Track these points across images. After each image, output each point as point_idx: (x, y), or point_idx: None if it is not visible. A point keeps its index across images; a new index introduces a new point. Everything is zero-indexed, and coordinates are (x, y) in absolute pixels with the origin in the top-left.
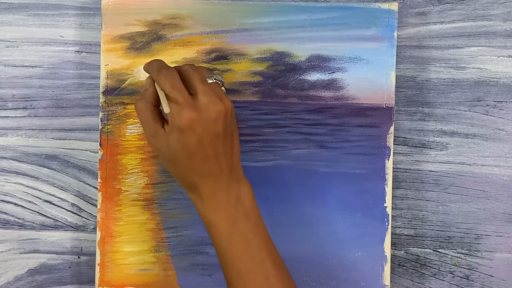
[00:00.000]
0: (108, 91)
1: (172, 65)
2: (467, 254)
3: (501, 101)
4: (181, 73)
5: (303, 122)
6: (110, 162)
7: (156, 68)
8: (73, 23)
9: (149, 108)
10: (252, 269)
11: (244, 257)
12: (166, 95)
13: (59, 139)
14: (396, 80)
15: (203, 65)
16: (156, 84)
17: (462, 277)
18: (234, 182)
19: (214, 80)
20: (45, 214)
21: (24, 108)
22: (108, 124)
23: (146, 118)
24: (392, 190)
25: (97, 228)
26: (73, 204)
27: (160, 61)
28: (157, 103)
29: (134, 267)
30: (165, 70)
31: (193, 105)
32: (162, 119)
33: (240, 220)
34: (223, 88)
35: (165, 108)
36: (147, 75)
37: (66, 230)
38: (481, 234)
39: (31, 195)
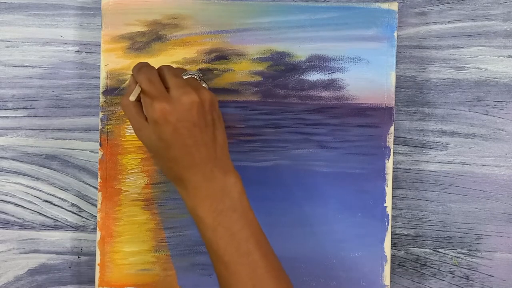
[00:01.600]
0: (108, 91)
1: (172, 65)
2: (467, 254)
3: (501, 101)
4: (158, 72)
5: (303, 122)
6: (110, 162)
7: (137, 66)
8: (73, 23)
9: (132, 103)
10: (238, 261)
11: (230, 249)
12: (142, 89)
13: (59, 139)
14: (396, 80)
15: (203, 65)
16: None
17: (462, 277)
18: (220, 173)
19: (190, 75)
20: (45, 214)
21: (24, 108)
22: (108, 124)
23: (130, 113)
24: (392, 190)
25: (97, 228)
26: (73, 204)
27: (144, 62)
28: (140, 99)
29: (134, 267)
30: (145, 68)
31: (165, 97)
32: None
33: (226, 212)
34: (204, 84)
35: (131, 97)
36: None
37: (66, 230)
38: (481, 234)
39: (31, 195)
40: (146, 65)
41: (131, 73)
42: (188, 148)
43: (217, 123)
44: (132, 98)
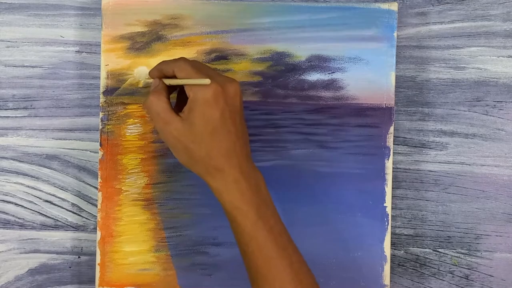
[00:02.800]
0: (108, 91)
1: None
2: (467, 254)
3: (501, 101)
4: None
5: (303, 122)
6: (110, 162)
7: (170, 61)
8: (73, 23)
9: (162, 99)
10: (277, 255)
11: (270, 243)
12: (188, 73)
13: (60, 139)
14: (396, 80)
15: None
16: (165, 80)
17: (462, 277)
18: (252, 168)
19: None
20: (45, 214)
21: (25, 108)
22: (108, 124)
23: (161, 108)
24: (392, 190)
25: (97, 228)
26: (73, 204)
27: (166, 60)
28: (168, 96)
29: (134, 267)
30: (181, 60)
31: (216, 80)
32: (174, 109)
33: (261, 206)
34: None
35: (204, 81)
36: (147, 75)
37: (67, 230)
38: (481, 234)
39: (32, 195)
40: (174, 60)
41: (154, 74)
42: (231, 135)
43: (244, 116)
44: (207, 81)
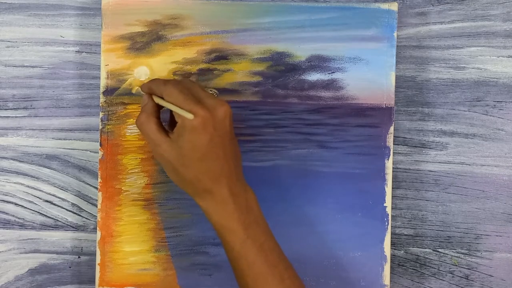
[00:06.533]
0: (108, 91)
1: (171, 66)
2: (467, 254)
3: (501, 101)
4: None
5: (303, 122)
6: (110, 162)
7: (160, 83)
8: (73, 23)
9: (152, 120)
10: (267, 272)
11: (259, 261)
12: (175, 99)
13: (60, 139)
14: (396, 80)
15: (203, 65)
16: (154, 97)
17: (462, 277)
18: (241, 187)
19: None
20: (45, 214)
21: (25, 108)
22: (108, 124)
23: (150, 129)
24: (392, 190)
25: (97, 228)
26: (73, 204)
27: (158, 79)
28: (158, 115)
29: (134, 267)
30: (170, 84)
31: (202, 106)
32: (165, 129)
33: (252, 225)
34: None
35: (187, 114)
36: (146, 78)
37: (67, 230)
38: (481, 234)
39: (32, 195)
40: (165, 81)
41: (146, 91)
42: (219, 159)
43: (235, 137)
44: (190, 116)
